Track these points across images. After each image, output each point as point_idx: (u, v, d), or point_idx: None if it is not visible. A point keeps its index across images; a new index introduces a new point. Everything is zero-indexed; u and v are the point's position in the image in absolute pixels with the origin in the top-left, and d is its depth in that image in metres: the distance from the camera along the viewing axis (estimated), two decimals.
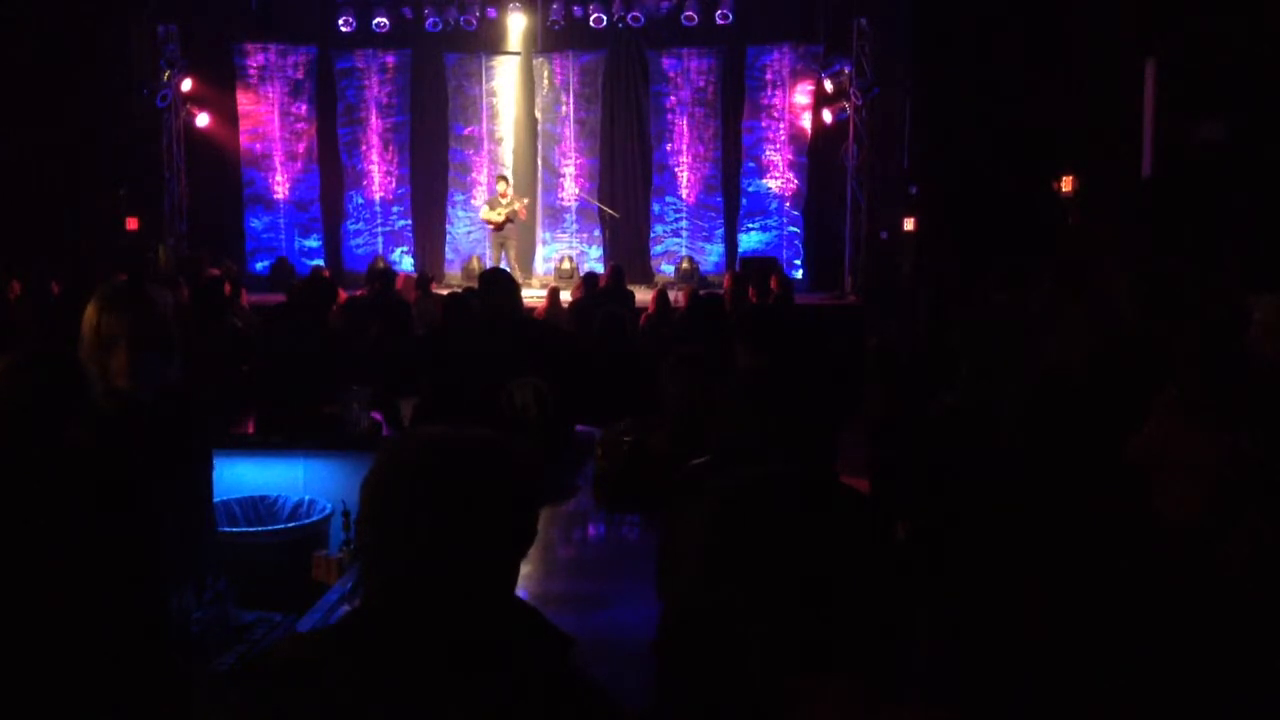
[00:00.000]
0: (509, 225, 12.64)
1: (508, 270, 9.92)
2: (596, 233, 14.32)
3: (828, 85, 13.54)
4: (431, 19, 13.51)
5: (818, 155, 14.06)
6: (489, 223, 12.76)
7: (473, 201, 14.31)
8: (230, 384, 5.10)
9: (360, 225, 14.54)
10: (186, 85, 13.50)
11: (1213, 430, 2.34)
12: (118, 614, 1.96)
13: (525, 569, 1.45)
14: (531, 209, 14.00)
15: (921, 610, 2.12)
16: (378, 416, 4.62)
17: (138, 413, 2.53)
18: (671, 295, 9.82)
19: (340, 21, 13.58)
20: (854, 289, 13.28)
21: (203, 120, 13.79)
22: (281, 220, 14.48)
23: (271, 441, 4.55)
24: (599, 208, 13.97)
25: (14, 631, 1.87)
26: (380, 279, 9.73)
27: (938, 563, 2.38)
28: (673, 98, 14.21)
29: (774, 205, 14.24)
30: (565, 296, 10.57)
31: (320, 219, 14.55)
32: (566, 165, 14.37)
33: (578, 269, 13.56)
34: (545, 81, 14.31)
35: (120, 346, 2.54)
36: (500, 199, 12.60)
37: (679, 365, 3.37)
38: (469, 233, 14.43)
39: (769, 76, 14.07)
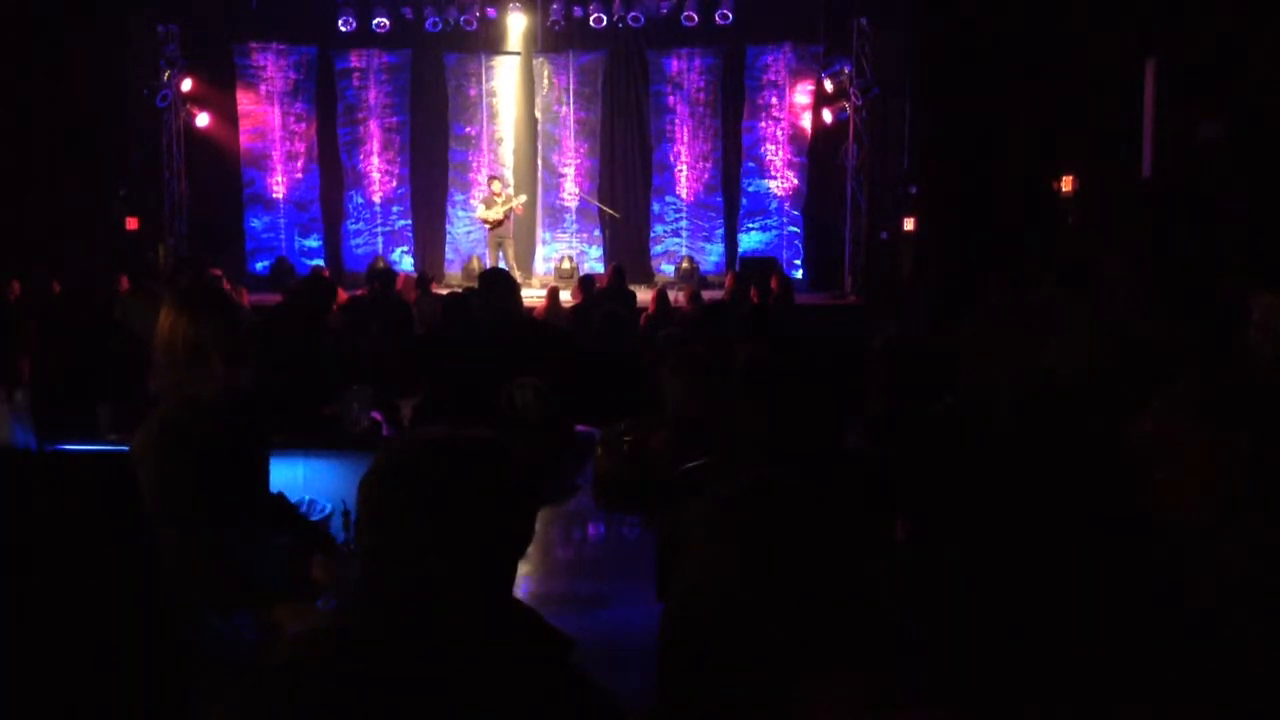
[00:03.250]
0: (506, 224, 12.64)
1: (508, 270, 9.94)
2: (596, 233, 14.32)
3: (828, 85, 13.54)
4: (431, 19, 13.52)
5: (818, 155, 14.07)
6: (487, 221, 12.77)
7: (471, 201, 14.32)
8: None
9: (360, 225, 14.54)
10: (186, 85, 13.49)
11: (1213, 430, 2.34)
12: (117, 617, 1.96)
13: (525, 569, 1.45)
14: (531, 209, 14.00)
15: (921, 610, 2.12)
16: (378, 416, 4.61)
17: (219, 419, 2.50)
18: (671, 295, 9.84)
19: (340, 21, 13.58)
20: (854, 289, 13.29)
21: (203, 120, 13.79)
22: (281, 220, 14.48)
23: (272, 441, 4.54)
24: (599, 208, 13.97)
25: (12, 633, 1.87)
26: (380, 279, 9.74)
27: (937, 562, 2.38)
28: (673, 98, 14.22)
29: (774, 205, 14.24)
30: (565, 296, 10.57)
31: (320, 219, 14.55)
32: (566, 165, 14.37)
33: (578, 269, 13.56)
34: (545, 81, 14.31)
35: (212, 355, 2.49)
36: (495, 198, 12.61)
37: (679, 365, 3.37)
38: (469, 233, 14.43)
39: (769, 76, 14.08)
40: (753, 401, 2.36)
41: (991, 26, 10.48)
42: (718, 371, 3.28)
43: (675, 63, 14.16)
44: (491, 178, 13.17)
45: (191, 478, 2.42)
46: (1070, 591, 2.10)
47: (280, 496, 2.92)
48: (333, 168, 14.44)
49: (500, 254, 12.68)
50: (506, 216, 12.57)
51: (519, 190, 13.49)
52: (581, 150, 14.37)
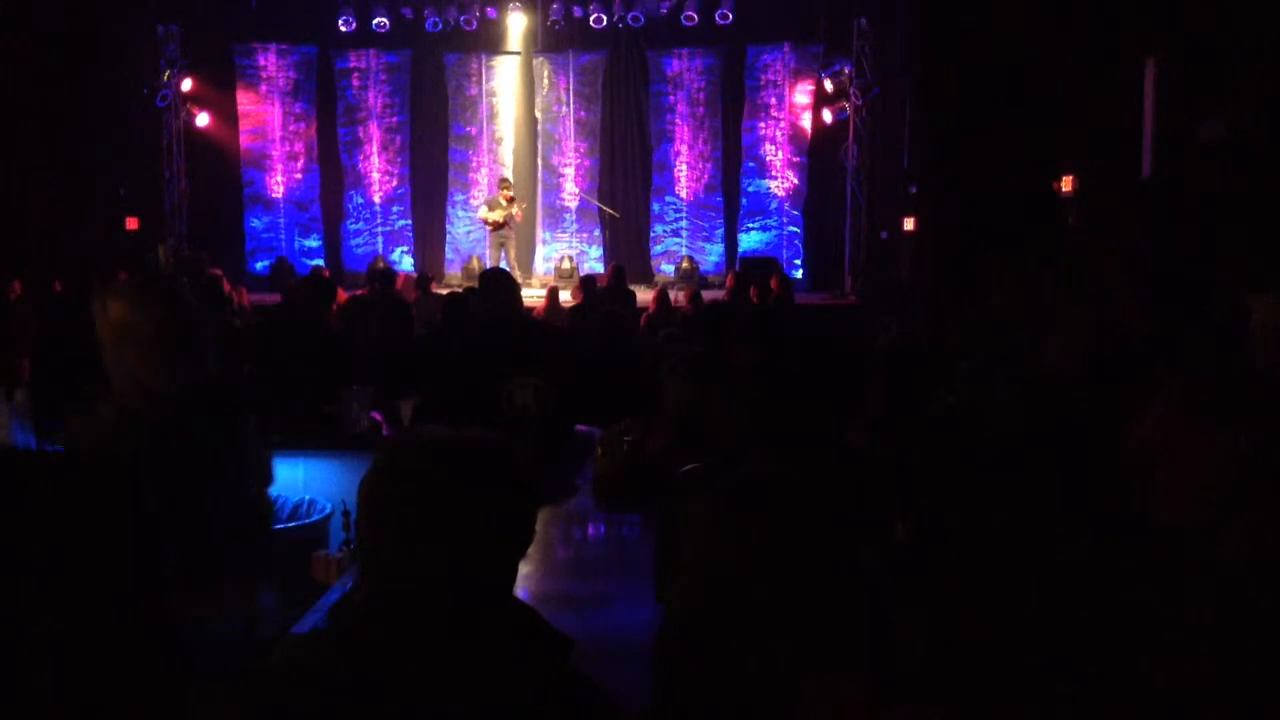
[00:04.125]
0: (507, 226, 12.64)
1: (508, 270, 9.93)
2: (596, 233, 14.33)
3: (828, 85, 13.54)
4: (431, 19, 13.52)
5: (818, 155, 14.08)
6: (487, 222, 12.77)
7: (471, 201, 14.33)
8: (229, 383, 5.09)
9: (360, 225, 14.55)
10: (186, 85, 13.49)
11: (1213, 430, 2.34)
12: (117, 618, 1.96)
13: (525, 569, 1.45)
14: (531, 209, 14.01)
15: (921, 610, 2.12)
16: (378, 416, 4.61)
17: (168, 411, 2.47)
18: (672, 295, 9.84)
19: (340, 21, 13.58)
20: (854, 289, 13.29)
21: (203, 120, 13.79)
22: (281, 220, 14.49)
23: (271, 441, 4.54)
24: (599, 208, 13.97)
25: (11, 633, 1.87)
26: (380, 279, 9.73)
27: (937, 562, 2.38)
28: (673, 98, 14.23)
29: (774, 205, 14.25)
30: (565, 296, 10.57)
31: (320, 219, 14.56)
32: (566, 165, 14.38)
33: (578, 269, 13.56)
34: (545, 81, 14.31)
35: (148, 344, 2.43)
36: (501, 201, 12.60)
37: (677, 365, 3.37)
38: (469, 233, 14.44)
39: (769, 76, 14.08)
40: (749, 402, 2.36)
41: (991, 26, 10.47)
42: (716, 372, 3.29)
43: (675, 63, 14.16)
44: (502, 180, 13.14)
45: (146, 468, 2.37)
46: (1069, 591, 2.10)
47: (265, 498, 2.89)
48: (333, 168, 14.44)
49: (502, 253, 12.67)
50: (506, 222, 12.56)
51: (519, 191, 13.47)
52: (581, 150, 14.37)
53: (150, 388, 2.46)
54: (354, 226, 14.54)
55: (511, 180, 13.33)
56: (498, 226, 12.58)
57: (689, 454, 2.71)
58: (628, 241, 14.11)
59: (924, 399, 3.23)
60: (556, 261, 14.05)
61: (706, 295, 10.43)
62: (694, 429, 3.20)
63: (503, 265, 11.81)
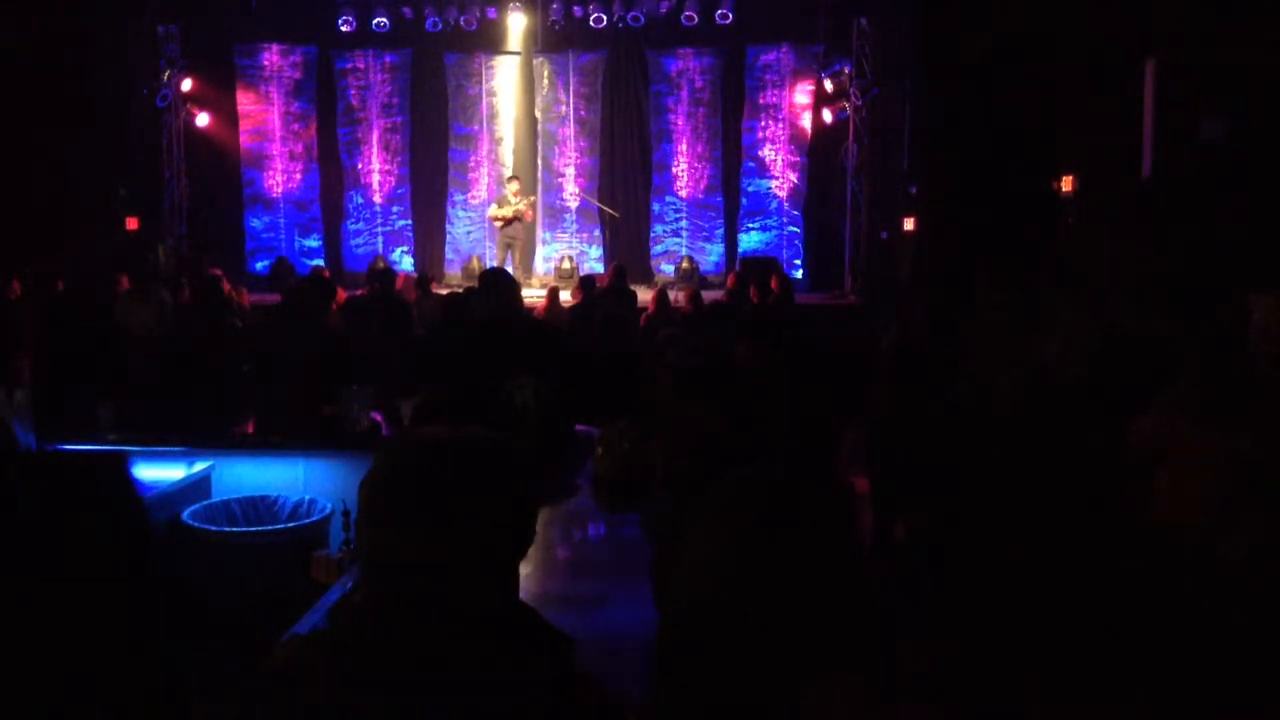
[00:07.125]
0: (517, 226, 12.60)
1: (508, 270, 9.93)
2: (596, 233, 14.33)
3: (828, 85, 13.55)
4: (431, 19, 13.52)
5: (818, 155, 14.08)
6: (495, 219, 12.71)
7: (471, 201, 14.33)
8: (230, 384, 5.10)
9: (360, 225, 14.55)
10: (186, 85, 13.49)
11: (1213, 430, 2.34)
12: (117, 619, 1.96)
13: (525, 569, 1.45)
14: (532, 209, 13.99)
15: (921, 610, 2.12)
16: (378, 416, 4.62)
17: None
18: (672, 295, 9.84)
19: (340, 21, 13.58)
20: (854, 289, 13.29)
21: (203, 120, 13.79)
22: (281, 220, 14.49)
23: (271, 441, 4.55)
24: (599, 208, 13.97)
25: (11, 635, 1.87)
26: (380, 279, 9.74)
27: (937, 562, 2.38)
28: (673, 98, 14.23)
29: (774, 205, 14.25)
30: (565, 296, 10.57)
31: (320, 219, 14.55)
32: (566, 165, 14.38)
33: (578, 269, 13.56)
34: (545, 81, 14.31)
35: None
36: (510, 198, 12.57)
37: (671, 365, 3.37)
38: (469, 233, 14.44)
39: (769, 76, 14.09)
40: (751, 403, 2.36)
41: (991, 26, 10.47)
42: (712, 372, 3.28)
43: (675, 63, 14.17)
44: (510, 178, 13.12)
45: None
46: (1070, 590, 2.10)
47: None
48: (333, 168, 14.44)
49: (508, 254, 12.63)
50: (516, 217, 12.52)
51: (523, 191, 13.44)
52: (581, 150, 14.37)
53: None
54: (354, 226, 14.54)
55: (520, 178, 13.29)
56: (508, 222, 12.53)
57: (682, 454, 2.71)
58: (628, 241, 14.11)
59: (925, 398, 3.23)
60: (556, 261, 14.05)
61: (706, 295, 10.43)
62: (687, 429, 3.19)
63: (508, 266, 11.78)
